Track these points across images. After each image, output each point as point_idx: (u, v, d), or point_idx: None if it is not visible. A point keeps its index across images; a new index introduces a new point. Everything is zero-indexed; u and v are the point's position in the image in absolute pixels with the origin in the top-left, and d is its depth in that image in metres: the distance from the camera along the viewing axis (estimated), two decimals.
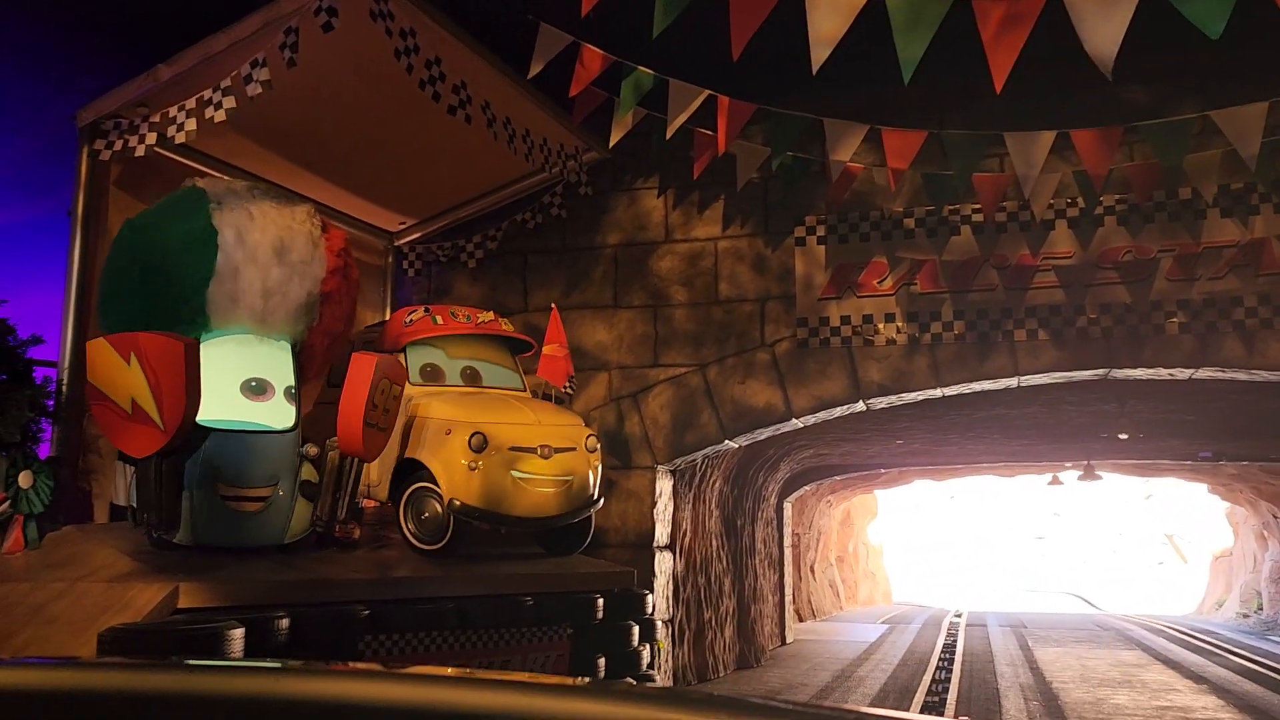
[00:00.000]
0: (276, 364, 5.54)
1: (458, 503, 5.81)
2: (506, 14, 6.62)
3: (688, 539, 9.44)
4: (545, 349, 7.12)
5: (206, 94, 5.81)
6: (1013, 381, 7.95)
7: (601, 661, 6.40)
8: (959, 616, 21.44)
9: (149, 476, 5.00)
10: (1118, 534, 50.24)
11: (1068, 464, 18.36)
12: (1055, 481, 20.47)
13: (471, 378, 6.64)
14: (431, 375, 6.45)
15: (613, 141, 7.50)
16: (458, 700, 0.97)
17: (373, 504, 7.24)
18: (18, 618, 4.58)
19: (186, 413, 4.84)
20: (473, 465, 5.83)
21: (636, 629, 6.72)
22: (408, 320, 6.54)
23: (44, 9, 7.00)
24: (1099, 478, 17.47)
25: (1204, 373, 7.59)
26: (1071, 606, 32.00)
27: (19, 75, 7.33)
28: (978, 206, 7.78)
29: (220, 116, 5.77)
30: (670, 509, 8.79)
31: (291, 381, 5.55)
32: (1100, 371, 7.72)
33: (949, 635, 16.61)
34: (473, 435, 5.85)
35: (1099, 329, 7.58)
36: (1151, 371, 7.65)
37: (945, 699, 9.91)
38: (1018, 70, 5.01)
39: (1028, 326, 7.72)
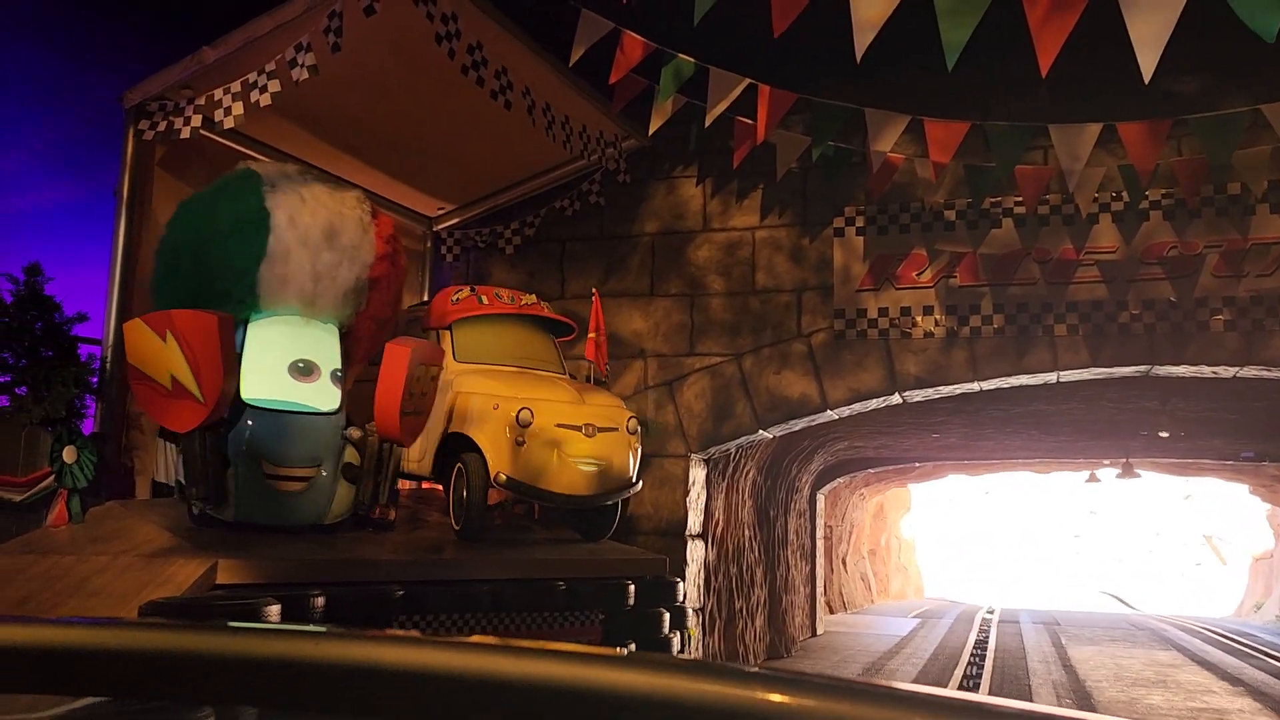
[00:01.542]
0: (323, 346, 5.60)
1: (503, 476, 5.89)
2: (548, 0, 6.61)
3: (720, 528, 9.44)
4: (591, 333, 7.20)
5: (251, 77, 5.87)
6: (1052, 377, 7.86)
7: (632, 647, 6.43)
8: (991, 613, 21.27)
9: (194, 452, 5.07)
10: (1155, 534, 49.56)
11: (1106, 461, 18.13)
12: (1093, 479, 20.24)
13: (514, 358, 6.73)
14: (475, 353, 6.54)
15: (652, 129, 7.47)
16: (498, 667, 0.97)
17: (409, 485, 7.33)
18: (62, 590, 4.68)
19: (225, 384, 4.92)
20: (519, 440, 5.91)
21: (667, 616, 6.74)
22: (454, 299, 6.64)
23: None
24: (1137, 476, 17.24)
25: (1249, 371, 7.46)
26: (1106, 606, 31.65)
27: (67, 58, 7.45)
28: (1019, 199, 7.67)
29: (265, 100, 5.83)
30: (703, 498, 8.79)
31: (337, 364, 5.61)
32: (1142, 368, 7.61)
33: (981, 631, 16.49)
34: (520, 410, 5.93)
35: (1141, 325, 7.46)
36: (1194, 369, 7.53)
37: (977, 694, 9.84)
38: (1063, 60, 4.93)
39: (1068, 321, 7.61)
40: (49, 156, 7.56)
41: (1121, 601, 35.63)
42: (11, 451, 5.55)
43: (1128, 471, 16.84)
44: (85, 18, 7.38)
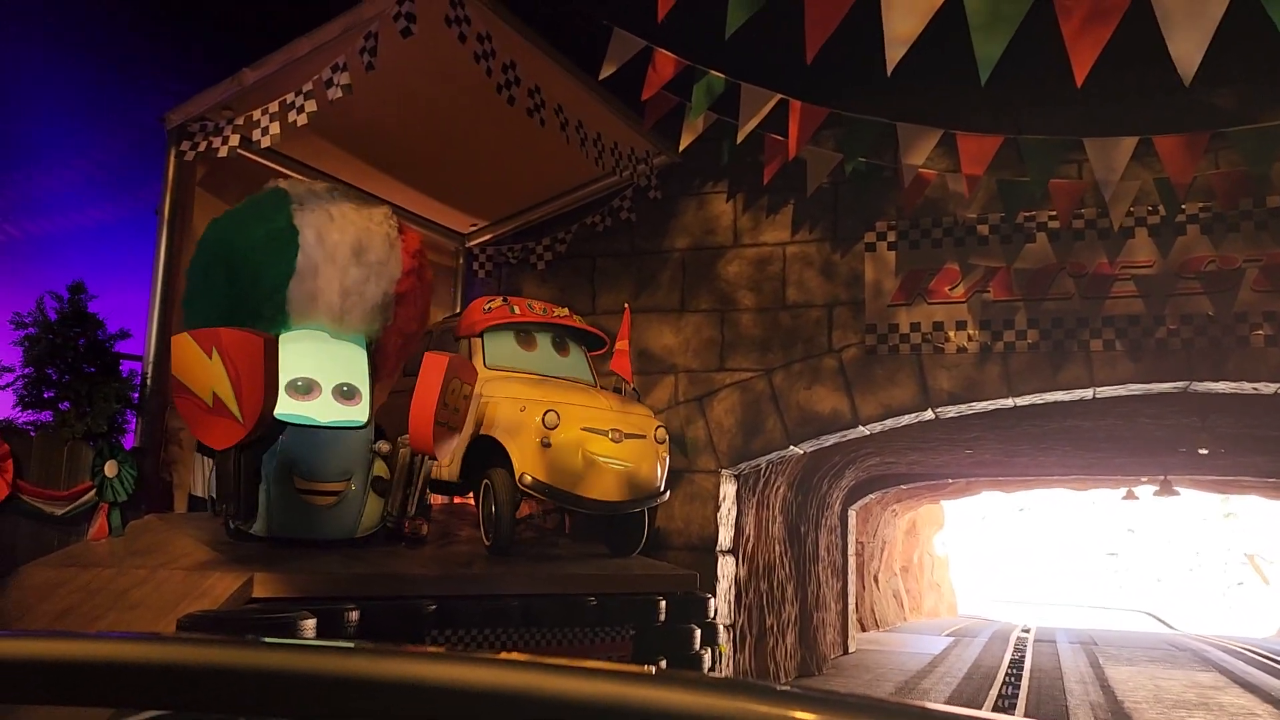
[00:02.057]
0: (352, 362, 5.67)
1: (528, 478, 5.90)
2: (580, 19, 6.67)
3: (751, 544, 9.40)
4: (619, 344, 7.23)
5: (289, 97, 5.96)
6: (1088, 393, 7.77)
7: (663, 663, 6.42)
8: (1027, 631, 20.99)
9: (228, 468, 5.14)
10: (1195, 552, 48.69)
11: (1143, 478, 17.85)
12: (1130, 496, 19.93)
13: (543, 367, 6.76)
14: (505, 360, 6.58)
15: (683, 145, 7.51)
16: (532, 683, 0.98)
17: (440, 500, 7.37)
18: (102, 603, 4.76)
19: (265, 406, 4.97)
20: (545, 442, 5.93)
21: (698, 632, 6.73)
22: (486, 308, 6.71)
23: (135, 14, 7.26)
24: (1176, 494, 16.96)
25: None
26: (1145, 625, 31.09)
27: (111, 79, 7.61)
28: (1054, 214, 7.61)
29: (302, 120, 5.91)
30: (734, 513, 8.77)
31: (366, 379, 5.67)
32: (1180, 384, 7.51)
33: (1016, 650, 16.27)
34: (546, 412, 5.96)
35: (1179, 340, 7.37)
36: (1235, 385, 7.42)
37: (1012, 715, 9.71)
38: (1098, 73, 4.90)
39: (1104, 337, 7.54)
40: (92, 176, 7.71)
41: (1161, 621, 34.99)
42: (54, 466, 5.65)
43: (1166, 489, 16.57)
44: (127, 40, 7.54)
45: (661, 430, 6.57)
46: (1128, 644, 19.14)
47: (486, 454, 6.20)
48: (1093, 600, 45.72)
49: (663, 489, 6.63)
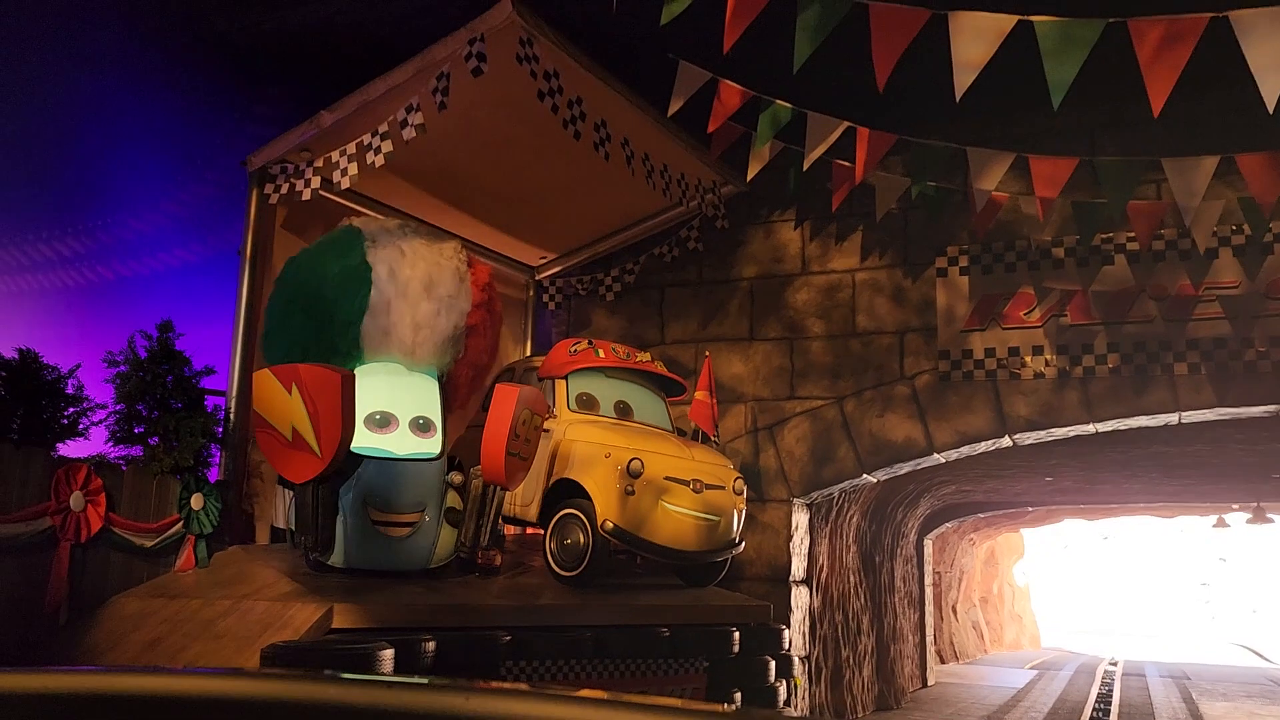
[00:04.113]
0: (425, 394, 5.76)
1: (610, 524, 5.93)
2: (646, 52, 6.74)
3: (824, 574, 9.28)
4: (697, 394, 7.24)
5: (366, 139, 6.13)
6: (1173, 418, 7.54)
7: (737, 696, 6.36)
8: (1114, 664, 20.28)
9: (306, 501, 5.25)
10: None
11: (1235, 506, 17.22)
12: (1221, 524, 19.23)
13: (624, 412, 6.82)
14: (587, 404, 6.64)
15: (750, 175, 7.52)
16: None
17: (514, 531, 7.43)
18: (189, 632, 4.89)
19: (342, 441, 5.07)
20: (628, 489, 5.97)
21: (773, 664, 6.65)
22: (572, 350, 6.78)
23: (215, 62, 7.55)
24: (1271, 521, 16.31)
25: None
26: (1240, 658, 29.82)
27: (195, 125, 7.92)
28: (1132, 235, 7.43)
29: (380, 161, 6.07)
30: (806, 543, 8.67)
31: (439, 411, 5.76)
32: (1271, 408, 7.24)
33: (1104, 684, 15.73)
34: (632, 460, 5.99)
35: (1269, 363, 7.12)
36: None
37: None
38: (1176, 92, 4.80)
39: (1189, 360, 7.31)
40: (178, 219, 8.03)
41: (1257, 654, 33.51)
42: (144, 499, 5.84)
43: (1259, 516, 15.96)
44: (209, 88, 7.84)
45: (740, 481, 6.60)
46: (1222, 678, 18.36)
47: (567, 489, 6.25)
48: (1183, 632, 44.03)
49: (738, 540, 6.64)
